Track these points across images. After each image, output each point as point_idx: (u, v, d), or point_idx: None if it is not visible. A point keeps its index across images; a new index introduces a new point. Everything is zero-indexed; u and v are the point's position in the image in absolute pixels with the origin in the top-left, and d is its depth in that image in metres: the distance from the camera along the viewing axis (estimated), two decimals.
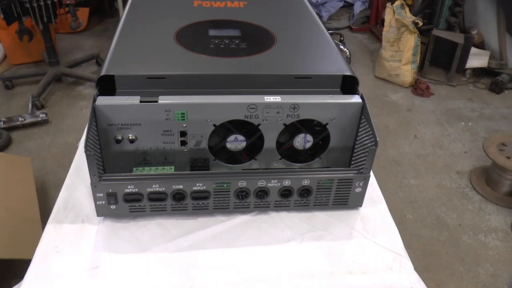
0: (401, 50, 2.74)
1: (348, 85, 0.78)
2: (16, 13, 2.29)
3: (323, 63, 0.83)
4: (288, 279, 0.66)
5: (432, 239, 1.78)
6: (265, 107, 0.72)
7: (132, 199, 0.70)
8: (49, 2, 2.33)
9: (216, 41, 0.84)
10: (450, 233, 1.81)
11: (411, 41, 2.69)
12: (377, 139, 0.69)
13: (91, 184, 0.67)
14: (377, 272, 0.68)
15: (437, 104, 2.65)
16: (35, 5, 2.28)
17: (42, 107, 2.48)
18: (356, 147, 0.77)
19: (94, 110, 0.69)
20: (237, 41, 0.85)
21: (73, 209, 0.75)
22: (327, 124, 0.75)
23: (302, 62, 0.81)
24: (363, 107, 0.74)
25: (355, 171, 0.73)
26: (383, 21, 3.04)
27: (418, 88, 2.72)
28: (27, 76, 2.73)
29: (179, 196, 0.71)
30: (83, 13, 3.32)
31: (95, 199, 0.70)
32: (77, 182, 0.81)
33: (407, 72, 2.75)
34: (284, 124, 0.74)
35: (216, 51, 0.81)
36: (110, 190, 0.69)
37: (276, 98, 0.72)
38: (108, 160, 0.74)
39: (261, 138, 0.75)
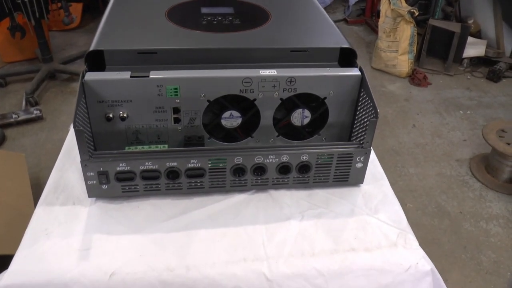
0: (398, 40, 2.71)
1: (346, 58, 0.76)
2: (7, 9, 2.25)
3: (320, 36, 0.80)
4: (288, 258, 0.64)
5: (433, 227, 1.76)
6: (261, 81, 0.69)
7: (124, 178, 0.67)
8: None
9: (209, 18, 0.82)
10: (451, 221, 1.79)
11: (407, 31, 2.67)
12: (378, 110, 0.66)
13: (81, 162, 0.65)
14: (381, 248, 0.65)
15: (435, 93, 2.63)
16: (26, 0, 2.24)
17: (36, 104, 2.44)
18: (356, 122, 0.75)
19: (83, 86, 0.66)
20: (230, 18, 0.83)
21: (64, 191, 0.73)
22: (325, 98, 0.73)
23: (298, 36, 0.78)
24: (362, 80, 0.71)
25: (356, 145, 0.71)
26: (378, 12, 3.02)
27: (415, 78, 2.70)
28: (21, 73, 2.69)
29: (173, 175, 0.68)
30: (76, 9, 3.28)
31: (86, 178, 0.67)
32: (68, 165, 0.78)
33: (404, 62, 2.73)
34: (281, 99, 0.71)
35: (209, 27, 0.79)
36: (101, 169, 0.66)
37: (271, 72, 0.69)
38: (99, 139, 0.71)
39: (257, 115, 0.73)
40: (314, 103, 0.74)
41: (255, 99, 0.71)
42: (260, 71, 0.69)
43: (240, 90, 0.70)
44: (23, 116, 2.30)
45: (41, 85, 2.59)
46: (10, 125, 2.27)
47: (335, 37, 0.78)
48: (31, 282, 0.59)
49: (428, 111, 2.47)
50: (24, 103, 2.42)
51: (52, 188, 0.73)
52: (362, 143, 0.70)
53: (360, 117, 0.73)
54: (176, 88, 0.68)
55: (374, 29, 3.30)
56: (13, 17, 2.35)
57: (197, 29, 0.77)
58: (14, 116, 2.28)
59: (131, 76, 0.67)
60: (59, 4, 2.49)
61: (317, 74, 0.71)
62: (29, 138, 2.22)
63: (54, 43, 3.10)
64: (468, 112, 2.47)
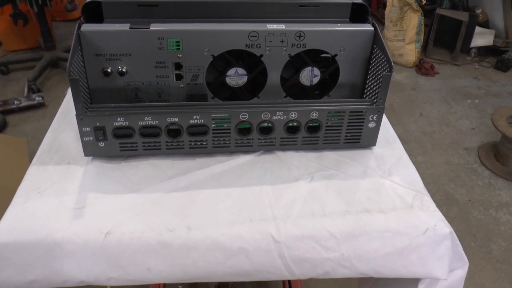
0: (405, 29, 2.67)
1: (358, 16, 0.71)
2: None
3: None
4: (297, 219, 0.59)
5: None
6: (268, 35, 0.65)
7: (123, 134, 0.63)
8: None
9: None
10: (460, 209, 1.74)
11: (414, 19, 2.62)
12: (392, 64, 0.62)
13: (77, 116, 0.61)
14: (396, 210, 0.61)
15: (442, 83, 2.58)
16: None
17: (39, 90, 2.41)
18: (367, 82, 0.70)
19: (79, 38, 0.62)
20: None
21: (59, 151, 0.69)
22: (335, 55, 0.68)
23: None
24: (375, 35, 0.67)
25: (368, 103, 0.66)
26: (384, 4, 2.98)
27: (422, 68, 2.65)
28: (23, 61, 2.66)
29: (174, 132, 0.64)
30: None
31: (82, 134, 0.63)
32: (64, 126, 0.74)
33: (410, 52, 2.68)
34: (289, 55, 0.67)
35: None
36: (98, 124, 0.62)
37: (279, 26, 0.65)
38: (97, 96, 0.67)
39: (264, 72, 0.69)
40: (324, 61, 0.69)
41: (261, 55, 0.67)
42: (267, 25, 0.65)
43: (246, 45, 0.66)
44: (25, 103, 2.27)
45: (43, 72, 2.55)
46: (11, 111, 2.23)
47: None
48: (20, 241, 0.55)
49: (436, 100, 2.42)
50: (26, 89, 2.39)
51: (46, 148, 0.69)
52: (375, 100, 0.66)
53: (372, 75, 0.68)
54: (178, 42, 0.64)
55: (380, 21, 3.25)
56: (16, 4, 2.32)
57: None
58: (16, 102, 2.24)
59: (130, 28, 0.63)
60: None
61: (327, 29, 0.67)
62: (31, 124, 2.18)
63: (58, 33, 3.07)
64: (476, 101, 2.42)
